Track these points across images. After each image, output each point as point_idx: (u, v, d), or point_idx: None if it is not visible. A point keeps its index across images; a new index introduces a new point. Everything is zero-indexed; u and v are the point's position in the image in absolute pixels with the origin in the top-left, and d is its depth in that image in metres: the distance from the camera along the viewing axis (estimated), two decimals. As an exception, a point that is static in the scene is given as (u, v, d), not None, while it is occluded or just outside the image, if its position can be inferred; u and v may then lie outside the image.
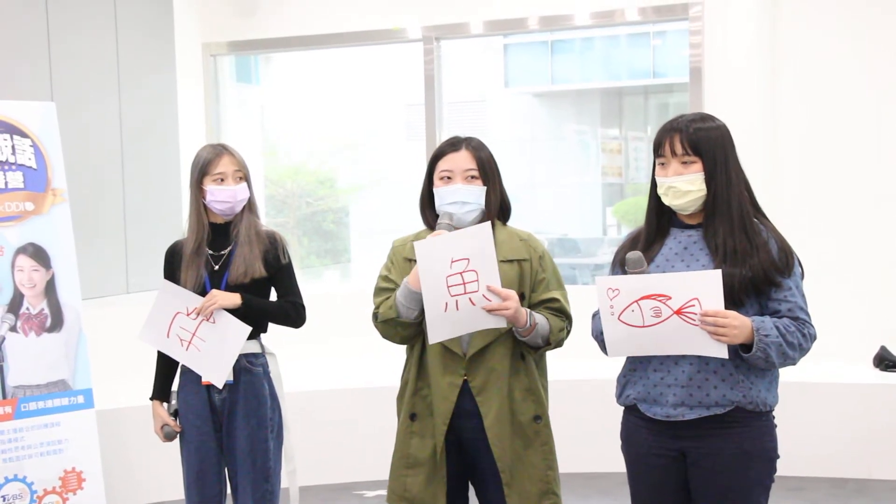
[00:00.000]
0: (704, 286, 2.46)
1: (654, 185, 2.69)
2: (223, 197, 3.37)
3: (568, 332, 2.97)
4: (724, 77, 5.78)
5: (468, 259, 2.71)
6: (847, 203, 5.70)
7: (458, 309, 2.74)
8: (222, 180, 3.37)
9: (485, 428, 2.88)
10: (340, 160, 9.45)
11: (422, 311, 2.85)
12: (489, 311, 2.74)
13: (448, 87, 6.65)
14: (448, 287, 2.73)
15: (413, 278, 2.83)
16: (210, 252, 3.44)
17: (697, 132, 2.60)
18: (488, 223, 2.74)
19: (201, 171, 3.40)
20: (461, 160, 2.93)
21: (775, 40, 5.73)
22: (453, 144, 2.97)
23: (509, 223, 3.05)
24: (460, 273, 2.72)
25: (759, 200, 2.76)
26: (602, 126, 12.00)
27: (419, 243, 2.75)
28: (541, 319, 2.87)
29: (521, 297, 2.91)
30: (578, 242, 10.80)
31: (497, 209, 2.98)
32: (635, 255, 2.56)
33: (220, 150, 3.42)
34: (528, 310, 2.85)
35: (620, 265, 2.74)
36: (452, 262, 2.72)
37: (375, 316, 2.94)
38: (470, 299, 2.73)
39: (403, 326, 2.89)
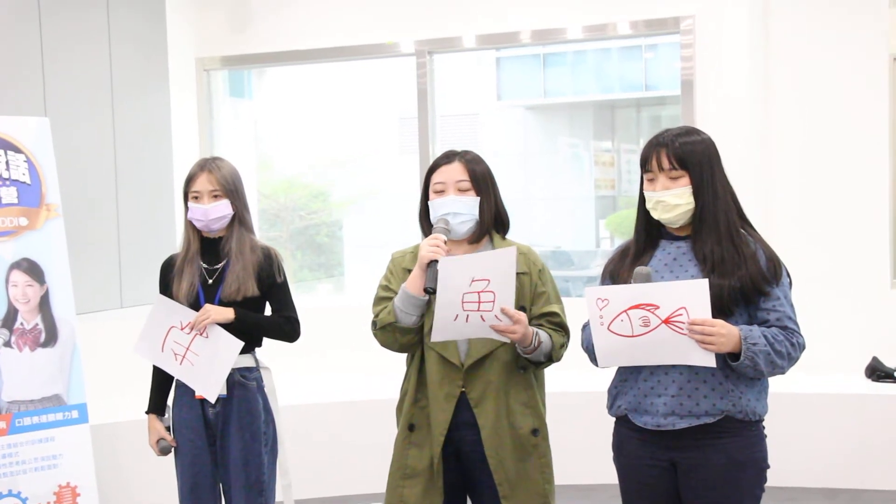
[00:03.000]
0: (692, 295, 2.49)
1: (642, 199, 2.72)
2: (196, 215, 3.42)
3: (566, 347, 2.99)
4: (715, 90, 5.81)
5: (489, 280, 2.72)
6: (840, 214, 5.71)
7: (467, 321, 2.75)
8: (197, 198, 3.42)
9: (482, 440, 2.88)
10: (334, 174, 9.45)
11: (420, 317, 2.87)
12: (498, 330, 2.76)
13: (441, 100, 6.66)
14: (463, 302, 2.73)
15: (411, 283, 2.83)
16: (204, 266, 3.46)
17: (683, 146, 2.63)
18: (514, 248, 2.75)
19: (185, 187, 3.47)
20: (453, 172, 2.95)
21: (767, 53, 5.76)
22: (447, 157, 3.00)
23: (507, 236, 3.06)
24: (478, 292, 2.72)
25: (751, 212, 2.79)
26: (595, 139, 12.03)
27: (445, 260, 2.74)
28: (545, 338, 2.89)
29: (522, 309, 2.92)
30: (571, 255, 10.80)
31: (492, 221, 2.99)
32: (644, 270, 2.58)
33: (202, 167, 3.46)
34: (536, 330, 2.86)
35: (610, 277, 2.76)
36: (473, 280, 2.72)
37: (374, 324, 2.94)
38: (481, 316, 2.74)
39: (402, 332, 2.88)
